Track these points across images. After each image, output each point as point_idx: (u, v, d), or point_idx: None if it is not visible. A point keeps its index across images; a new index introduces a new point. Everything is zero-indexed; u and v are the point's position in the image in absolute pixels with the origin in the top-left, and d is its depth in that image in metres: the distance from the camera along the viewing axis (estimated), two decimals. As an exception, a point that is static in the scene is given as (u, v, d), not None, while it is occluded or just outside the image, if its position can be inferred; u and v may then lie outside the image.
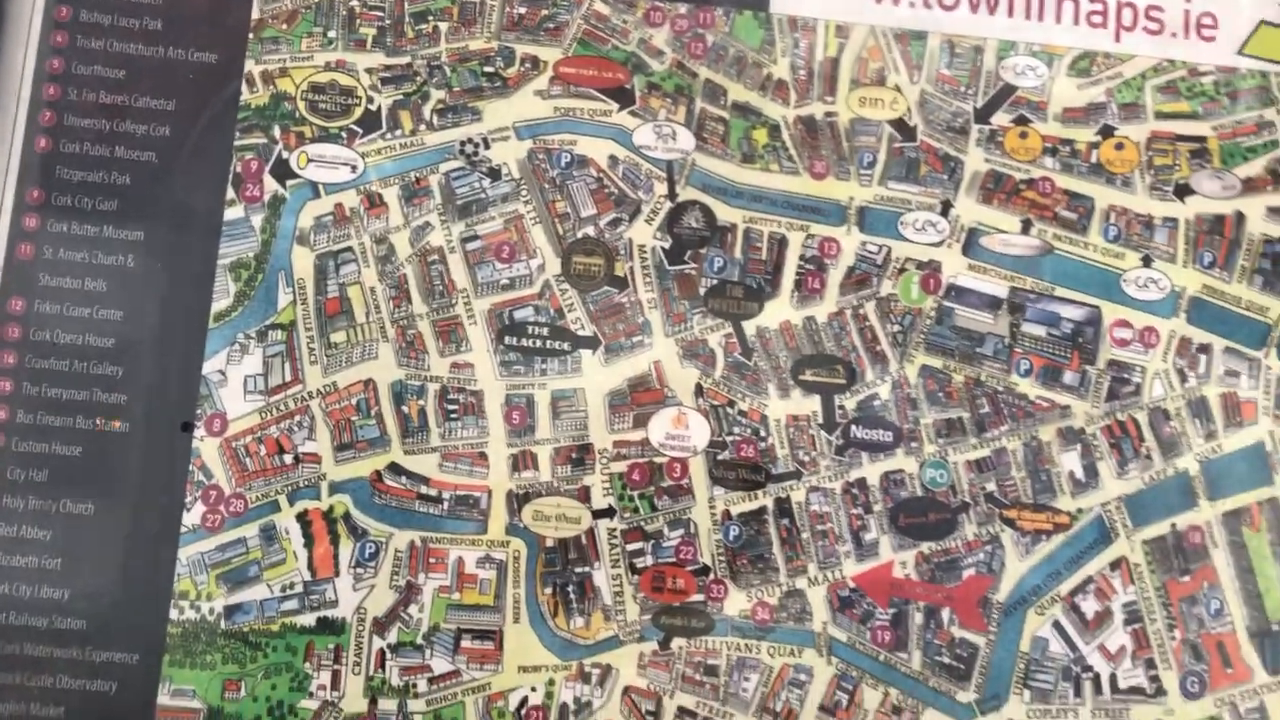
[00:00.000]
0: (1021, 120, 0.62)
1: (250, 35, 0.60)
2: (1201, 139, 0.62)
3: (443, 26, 0.61)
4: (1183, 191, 0.62)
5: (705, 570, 0.58)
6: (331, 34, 0.60)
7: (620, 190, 0.60)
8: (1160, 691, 0.58)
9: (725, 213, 0.60)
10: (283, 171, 0.59)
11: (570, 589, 0.57)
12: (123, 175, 0.58)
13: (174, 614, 0.55)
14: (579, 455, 0.58)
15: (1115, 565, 0.59)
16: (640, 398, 0.59)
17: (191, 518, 0.56)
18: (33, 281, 0.57)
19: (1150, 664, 0.58)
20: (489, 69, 0.61)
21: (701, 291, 0.60)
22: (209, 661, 0.55)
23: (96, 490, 0.56)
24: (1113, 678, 0.58)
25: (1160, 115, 0.62)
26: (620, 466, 0.58)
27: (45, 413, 0.57)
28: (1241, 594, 0.59)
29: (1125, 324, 0.60)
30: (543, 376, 0.58)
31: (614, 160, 0.60)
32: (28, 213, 0.58)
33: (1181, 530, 0.59)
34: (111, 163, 0.58)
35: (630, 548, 0.58)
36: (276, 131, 0.59)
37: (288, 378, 0.58)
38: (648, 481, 0.58)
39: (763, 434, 0.59)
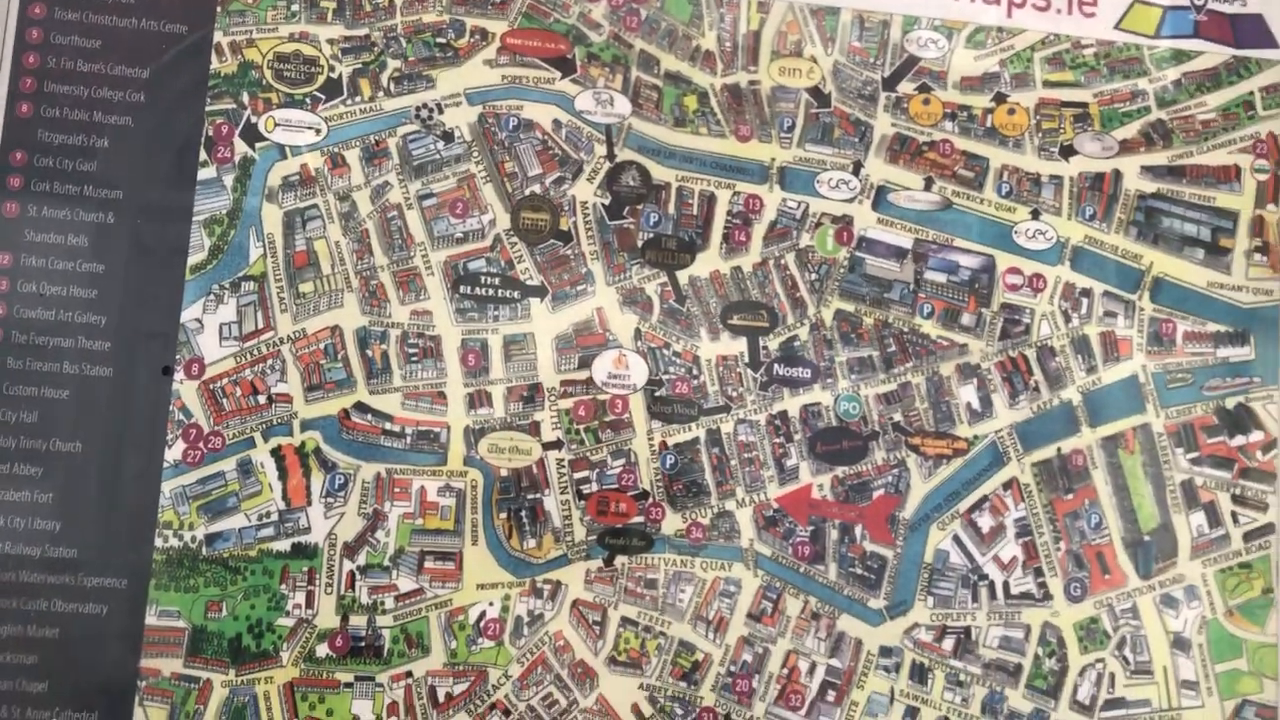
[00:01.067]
0: (924, 88, 0.68)
1: (218, 8, 0.64)
2: (1084, 105, 0.69)
3: (398, 1, 0.66)
4: (1067, 152, 0.69)
5: (645, 495, 0.64)
6: (295, 7, 0.65)
7: (564, 151, 0.66)
8: (1047, 596, 0.65)
9: (660, 172, 0.66)
10: (252, 135, 0.64)
11: (523, 514, 0.63)
12: (101, 138, 0.63)
13: (159, 542, 0.60)
14: (529, 394, 0.64)
15: (1007, 485, 0.66)
16: (585, 341, 0.65)
17: (173, 454, 0.61)
18: (18, 237, 0.61)
19: (1038, 572, 0.65)
20: (441, 40, 0.66)
21: (639, 244, 0.66)
22: (192, 585, 0.60)
23: (84, 430, 0.61)
24: (1005, 585, 0.65)
25: (1047, 84, 0.69)
26: (567, 403, 0.64)
27: (33, 359, 0.61)
28: (1118, 509, 0.66)
29: (1016, 271, 0.67)
30: (495, 322, 0.64)
31: (557, 124, 0.66)
32: (12, 174, 0.62)
33: (1066, 454, 0.66)
34: (90, 126, 0.63)
35: (577, 476, 0.64)
36: (245, 98, 0.64)
37: (260, 325, 0.63)
38: (592, 416, 0.64)
39: (695, 372, 0.65)
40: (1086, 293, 0.67)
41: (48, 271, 0.61)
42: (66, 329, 0.61)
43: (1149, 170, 0.69)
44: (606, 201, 0.66)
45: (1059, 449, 0.66)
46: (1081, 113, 0.69)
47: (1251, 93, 0.70)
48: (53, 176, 0.62)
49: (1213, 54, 0.70)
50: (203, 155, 0.63)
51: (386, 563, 0.62)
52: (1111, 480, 0.66)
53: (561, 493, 0.63)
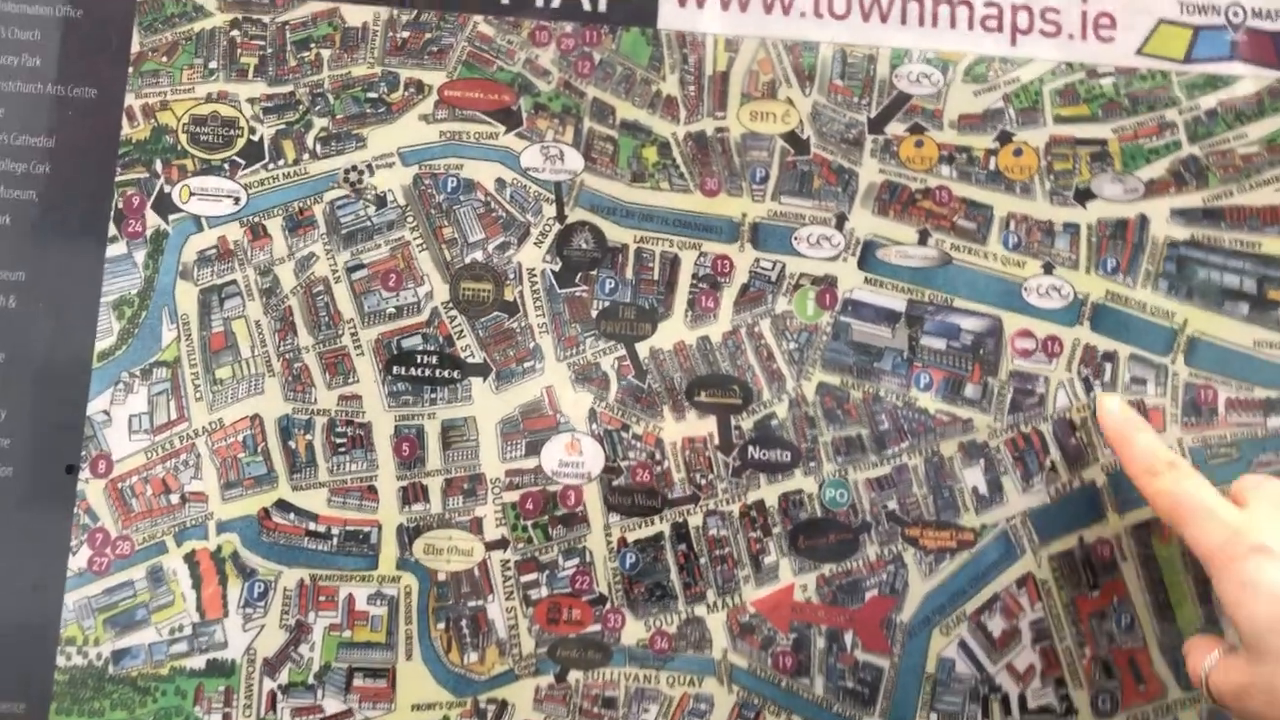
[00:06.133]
0: (916, 129, 0.61)
1: (130, 69, 0.59)
2: (1102, 142, 0.61)
3: (325, 54, 0.60)
4: (1084, 196, 0.60)
5: (602, 600, 0.57)
6: (213, 65, 0.60)
7: (508, 213, 0.59)
8: (1071, 710, 0.56)
9: (616, 233, 0.59)
10: (165, 206, 0.58)
11: (464, 623, 0.56)
12: (2, 215, 0.57)
13: (61, 660, 0.55)
14: (470, 486, 0.57)
15: (1022, 582, 0.57)
16: (532, 424, 0.58)
17: (78, 561, 0.55)
18: (-89, 326, 0.56)
19: (1060, 683, 0.57)
20: (372, 95, 0.60)
21: (593, 314, 0.59)
22: (97, 709, 0.54)
23: (-20, 536, 0.55)
24: (1022, 698, 0.57)
25: (1059, 119, 0.61)
26: (513, 496, 0.57)
27: (-73, 459, 0.56)
28: (1152, 608, 0.57)
29: (1027, 334, 0.59)
30: (432, 406, 0.57)
31: (501, 183, 0.59)
32: (-94, 257, 0.57)
33: (1089, 544, 0.58)
34: (-10, 203, 0.58)
35: (525, 579, 0.57)
36: (158, 165, 0.59)
37: (173, 416, 0.57)
38: (541, 510, 0.57)
39: (658, 457, 0.58)
40: (1110, 357, 0.59)
41: (-56, 362, 0.56)
42: (-37, 425, 0.56)
43: (1181, 214, 0.60)
44: (556, 267, 0.59)
45: (1081, 539, 0.58)
46: (1099, 151, 0.60)
47: (1300, 121, 0.61)
48: (-49, 258, 0.57)
49: (1253, 78, 0.61)
50: (112, 230, 0.58)
51: (311, 680, 0.55)
52: (1144, 574, 0.57)
53: (507, 599, 0.56)
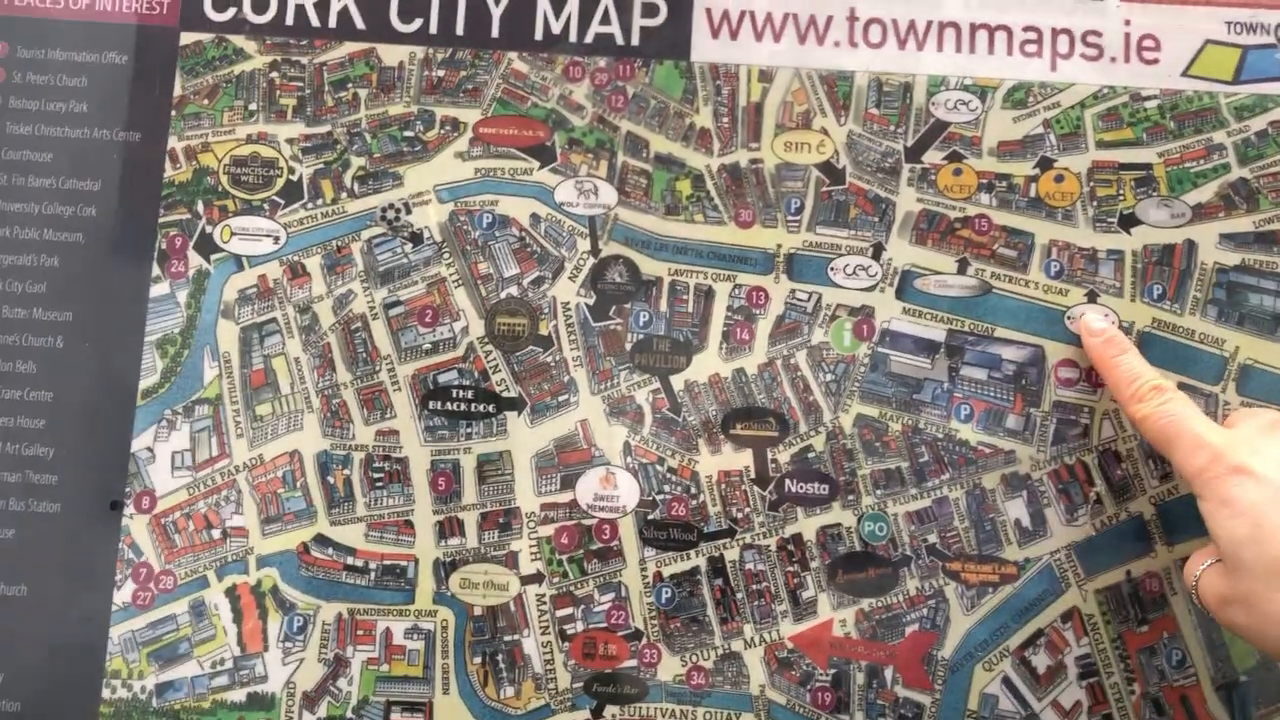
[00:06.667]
0: (955, 156, 0.60)
1: (173, 112, 0.60)
2: (1147, 166, 0.59)
3: (362, 93, 0.61)
4: (1128, 222, 0.59)
5: (638, 635, 0.56)
6: (253, 106, 0.61)
7: (543, 248, 0.59)
8: (1120, 749, 0.55)
9: (650, 266, 0.59)
10: (207, 246, 0.59)
11: (500, 658, 0.56)
12: (51, 257, 0.59)
13: (106, 693, 0.56)
14: (506, 520, 0.57)
15: (1067, 617, 0.56)
16: (567, 458, 0.58)
17: (122, 595, 0.56)
18: (-36, 367, 0.58)
19: (1109, 720, 0.55)
20: (409, 133, 0.60)
21: (627, 347, 0.58)
22: (141, 741, 0.55)
23: (29, 571, 0.57)
24: (1069, 736, 0.55)
25: (1102, 144, 0.60)
26: (548, 530, 0.57)
27: (-21, 497, 0.57)
28: (1204, 643, 0.56)
29: (1070, 363, 0.58)
30: (468, 440, 0.58)
31: (536, 218, 0.60)
32: (-40, 298, 0.59)
33: (1137, 578, 0.56)
34: (40, 245, 0.59)
35: (560, 613, 0.56)
36: (200, 206, 0.60)
37: (215, 452, 0.58)
38: (576, 544, 0.57)
39: (694, 491, 0.57)
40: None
41: (-5, 401, 0.58)
42: (13, 462, 0.58)
43: (1230, 239, 0.58)
44: (591, 301, 0.59)
45: (1129, 573, 0.56)
46: (1145, 175, 0.59)
47: (1355, 141, 0.59)
48: (2, 301, 0.58)
49: (1305, 98, 0.60)
50: (155, 270, 0.59)
51: (349, 715, 0.56)
52: (1196, 609, 0.55)
53: (543, 633, 0.56)
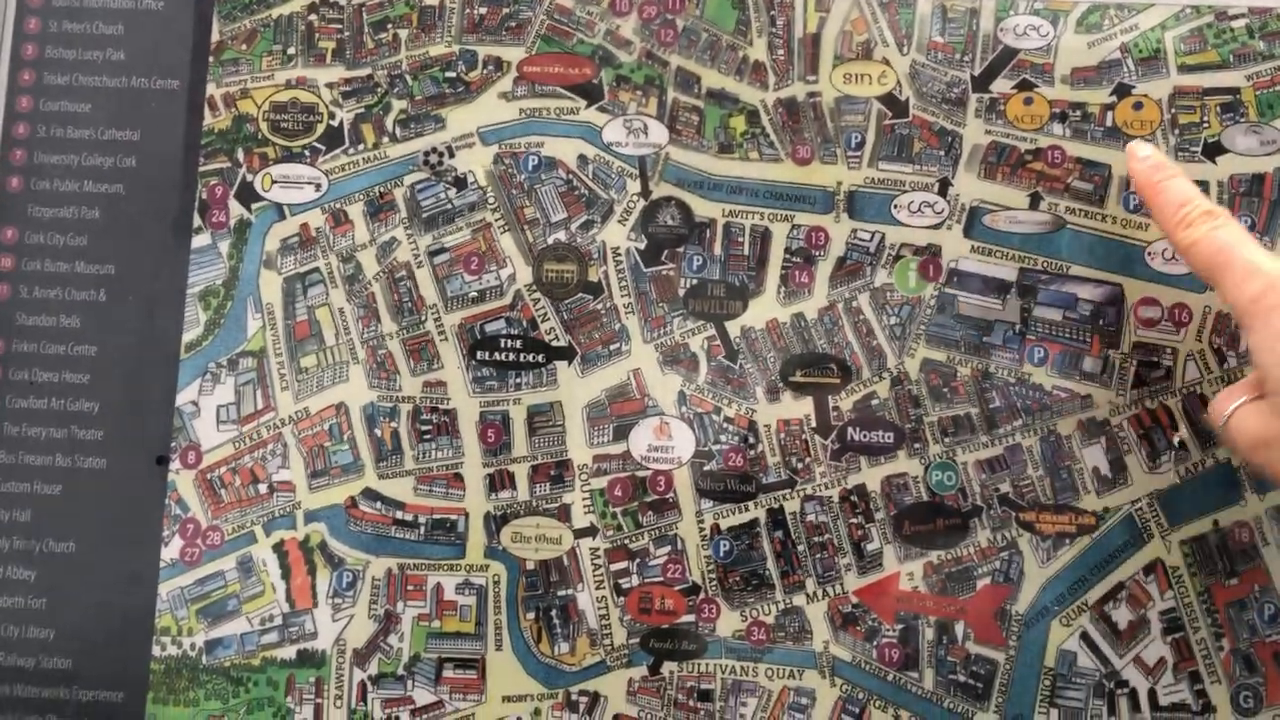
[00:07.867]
0: (1025, 85, 0.56)
1: (211, 58, 0.59)
2: (1234, 90, 0.55)
3: (402, 34, 0.59)
4: (1214, 151, 0.55)
5: (695, 589, 0.54)
6: (291, 50, 0.59)
7: (591, 191, 0.57)
8: (1208, 708, 0.52)
9: (703, 207, 0.56)
10: (248, 195, 0.58)
11: (553, 613, 0.54)
12: (91, 209, 0.58)
13: (156, 650, 0.55)
14: (558, 472, 0.55)
15: (1150, 569, 0.53)
16: (620, 408, 0.56)
17: (170, 552, 0.55)
18: (9, 321, 0.57)
19: (1195, 678, 0.52)
20: (451, 74, 0.58)
21: (681, 293, 0.56)
22: (192, 698, 0.54)
23: (77, 528, 0.56)
24: (1152, 694, 0.52)
25: (1184, 68, 0.56)
26: (601, 482, 0.55)
27: (25, 452, 0.56)
28: (1298, 597, 0.52)
29: (1152, 301, 0.54)
30: (517, 391, 0.56)
31: (583, 160, 0.57)
32: (3, 253, 0.58)
33: (1225, 528, 0.53)
34: (81, 197, 0.58)
35: (615, 568, 0.55)
36: (240, 154, 0.58)
37: (260, 405, 0.56)
38: (630, 497, 0.55)
39: (751, 441, 0.55)
40: (1246, 324, 0.54)
41: (40, 356, 0.57)
42: (59, 418, 0.57)
43: (1324, 166, 0.55)
44: (642, 245, 0.56)
45: (1216, 522, 0.53)
46: (1231, 100, 0.55)
47: None
48: (44, 254, 0.58)
49: (1406, 13, 0.56)
50: (196, 220, 0.57)
51: (401, 671, 0.54)
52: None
53: (597, 588, 0.54)
